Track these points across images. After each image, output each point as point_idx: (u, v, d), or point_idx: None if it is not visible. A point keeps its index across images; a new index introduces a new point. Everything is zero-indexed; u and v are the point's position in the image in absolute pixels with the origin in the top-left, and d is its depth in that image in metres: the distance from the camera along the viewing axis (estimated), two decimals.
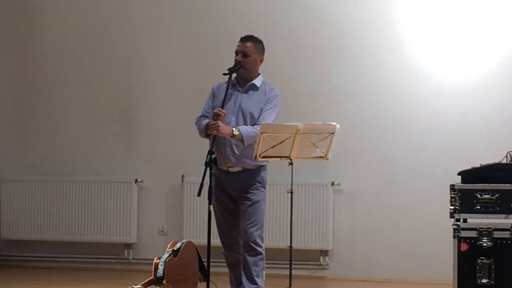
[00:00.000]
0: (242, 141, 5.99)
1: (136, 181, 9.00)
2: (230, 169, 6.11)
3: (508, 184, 6.47)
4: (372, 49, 8.52)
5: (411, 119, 8.40)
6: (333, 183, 8.51)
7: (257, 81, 6.18)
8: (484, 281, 6.40)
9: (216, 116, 5.93)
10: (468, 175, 6.61)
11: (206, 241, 5.79)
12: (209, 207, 5.76)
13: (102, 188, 9.03)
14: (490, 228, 6.44)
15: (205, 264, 5.99)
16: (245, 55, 6.12)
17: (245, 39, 6.19)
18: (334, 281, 8.50)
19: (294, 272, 6.69)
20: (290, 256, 6.49)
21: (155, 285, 6.58)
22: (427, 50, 8.39)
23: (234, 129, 5.97)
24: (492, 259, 6.41)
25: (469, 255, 6.44)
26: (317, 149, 6.13)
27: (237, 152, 6.05)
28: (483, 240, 6.43)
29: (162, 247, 8.00)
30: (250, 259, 6.06)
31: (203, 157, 5.82)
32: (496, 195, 6.47)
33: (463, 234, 6.48)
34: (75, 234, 9.04)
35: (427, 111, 8.36)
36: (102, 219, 9.00)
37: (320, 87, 8.64)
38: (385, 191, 8.41)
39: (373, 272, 8.42)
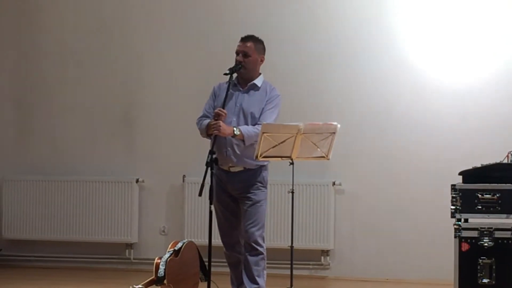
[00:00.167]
0: (243, 141, 5.98)
1: (137, 181, 9.00)
2: (231, 169, 6.11)
3: (509, 184, 6.46)
4: (372, 50, 8.52)
5: (412, 119, 8.40)
6: (334, 183, 8.51)
7: (258, 81, 6.18)
8: (485, 281, 6.40)
9: (217, 116, 5.93)
10: (469, 175, 6.61)
11: (207, 241, 5.79)
12: (210, 207, 5.76)
13: (103, 188, 9.03)
14: (491, 228, 6.44)
15: (206, 264, 5.99)
16: (245, 55, 6.12)
17: (245, 39, 6.18)
18: (335, 281, 8.50)
19: (295, 272, 6.70)
20: (291, 256, 6.49)
21: (156, 285, 6.58)
22: (427, 51, 8.39)
23: (235, 129, 5.97)
24: (493, 259, 6.40)
25: (470, 255, 6.44)
26: (318, 149, 6.12)
27: (238, 152, 6.05)
28: (484, 240, 6.43)
29: (163, 247, 7.99)
30: (251, 259, 6.06)
31: (204, 157, 5.81)
32: (497, 195, 6.47)
33: (464, 234, 6.47)
34: (76, 234, 9.05)
35: (428, 111, 8.36)
36: (103, 219, 9.00)
37: (320, 87, 8.64)
38: (386, 191, 8.41)
39: (374, 272, 8.42)
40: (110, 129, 9.17)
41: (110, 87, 9.20)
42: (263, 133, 5.82)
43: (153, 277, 6.56)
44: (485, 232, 6.44)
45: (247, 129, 5.99)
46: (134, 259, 9.03)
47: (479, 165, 6.68)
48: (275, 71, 7.88)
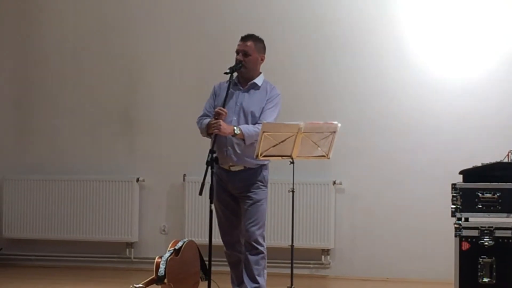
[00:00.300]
0: (243, 140, 5.98)
1: (137, 180, 9.00)
2: (232, 168, 6.10)
3: (510, 183, 6.47)
4: (373, 49, 8.52)
5: (412, 119, 8.40)
6: (334, 182, 8.51)
7: (258, 80, 6.18)
8: (485, 280, 6.40)
9: (218, 115, 5.92)
10: (469, 174, 6.61)
11: (207, 240, 5.79)
12: (210, 206, 5.76)
13: (103, 187, 9.03)
14: (492, 227, 6.44)
15: (207, 263, 5.99)
16: (245, 54, 6.11)
17: (245, 38, 6.18)
18: (336, 280, 8.50)
19: (295, 271, 6.71)
20: (292, 255, 6.50)
21: (157, 284, 6.59)
22: (427, 50, 8.39)
23: (235, 128, 5.96)
24: (494, 258, 6.41)
25: (471, 254, 6.44)
26: (319, 148, 6.12)
27: (238, 151, 6.05)
28: (485, 239, 6.43)
29: (163, 246, 8.00)
30: (252, 258, 6.06)
31: (204, 156, 5.81)
32: (498, 194, 6.48)
33: (465, 233, 6.48)
34: (76, 233, 9.05)
35: (428, 110, 8.36)
36: (103, 218, 9.00)
37: (321, 87, 8.65)
38: (387, 190, 8.41)
39: (374, 271, 8.43)
40: (110, 129, 9.18)
41: (110, 87, 9.20)
42: (264, 132, 5.81)
43: (154, 276, 6.57)
44: (485, 231, 6.44)
45: (247, 128, 5.99)
46: (134, 258, 9.03)
47: (479, 164, 6.69)
48: (275, 70, 7.87)
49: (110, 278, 8.48)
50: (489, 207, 6.48)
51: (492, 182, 6.51)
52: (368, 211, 8.47)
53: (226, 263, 6.29)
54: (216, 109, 5.97)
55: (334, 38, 8.63)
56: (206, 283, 5.99)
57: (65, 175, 9.14)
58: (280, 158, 6.06)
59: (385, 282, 8.32)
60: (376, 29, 8.52)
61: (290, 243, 6.59)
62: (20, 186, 9.21)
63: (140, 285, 6.56)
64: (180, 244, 6.78)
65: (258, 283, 6.07)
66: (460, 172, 6.65)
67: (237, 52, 6.15)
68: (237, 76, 6.16)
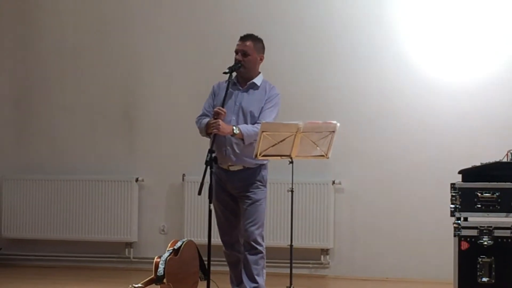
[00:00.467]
0: (242, 139, 5.98)
1: (136, 180, 9.00)
2: (231, 168, 6.11)
3: (509, 183, 6.46)
4: (373, 49, 8.51)
5: (411, 118, 8.40)
6: (333, 182, 8.51)
7: (257, 80, 6.18)
8: (484, 279, 6.40)
9: (217, 115, 5.92)
10: (468, 174, 6.60)
11: (206, 240, 5.78)
12: (209, 206, 5.76)
13: (102, 187, 9.03)
14: (491, 226, 6.44)
15: (206, 263, 5.98)
16: (245, 54, 6.11)
17: (245, 38, 6.18)
18: (335, 280, 8.50)
19: (294, 271, 6.69)
20: (291, 254, 6.49)
21: (156, 284, 6.59)
22: (427, 50, 8.39)
23: (234, 127, 5.96)
24: (493, 258, 6.40)
25: (470, 254, 6.44)
26: (318, 147, 6.12)
27: (237, 151, 6.05)
28: (484, 239, 6.43)
29: (162, 246, 8.00)
30: (251, 257, 6.06)
31: (203, 156, 5.81)
32: (497, 194, 6.47)
33: (464, 232, 6.48)
34: (76, 233, 9.05)
35: (428, 110, 8.36)
36: (103, 218, 9.00)
37: (320, 86, 8.64)
38: (386, 189, 8.41)
39: (373, 271, 8.42)
40: (109, 129, 9.18)
41: (110, 87, 9.21)
42: (263, 132, 5.82)
43: (153, 276, 6.57)
44: (484, 231, 6.44)
45: (246, 128, 5.99)
46: (133, 258, 9.03)
47: (478, 164, 6.68)
48: (274, 70, 7.87)
49: (109, 278, 8.47)
50: (488, 207, 6.48)
51: (491, 181, 6.50)
52: (368, 210, 8.47)
53: (225, 263, 6.30)
54: (215, 109, 5.98)
55: (333, 39, 8.62)
56: (205, 283, 5.99)
57: (64, 175, 9.15)
58: (279, 157, 6.06)
59: (385, 282, 8.32)
60: (376, 29, 8.51)
61: (289, 243, 6.58)
62: (19, 186, 9.21)
63: (139, 285, 6.56)
64: (179, 244, 6.78)
65: (257, 283, 6.07)
66: (459, 172, 6.64)
67: (236, 52, 6.15)
68: (236, 76, 6.16)
